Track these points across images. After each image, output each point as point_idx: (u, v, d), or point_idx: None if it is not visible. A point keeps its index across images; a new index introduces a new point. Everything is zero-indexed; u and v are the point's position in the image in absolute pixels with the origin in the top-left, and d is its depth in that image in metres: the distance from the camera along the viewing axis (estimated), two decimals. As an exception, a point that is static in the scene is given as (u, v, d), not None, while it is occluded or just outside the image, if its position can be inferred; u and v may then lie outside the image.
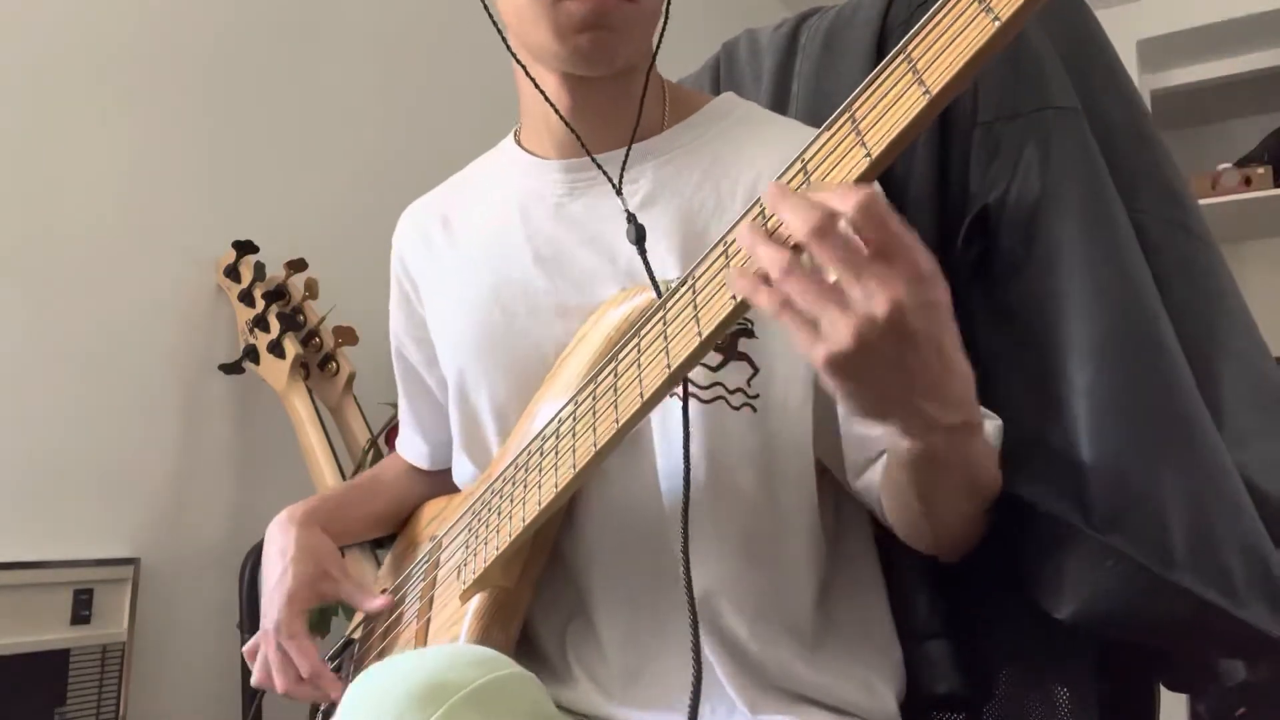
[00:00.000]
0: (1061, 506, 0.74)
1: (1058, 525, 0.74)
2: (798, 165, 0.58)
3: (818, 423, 0.79)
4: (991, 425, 0.76)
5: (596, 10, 0.74)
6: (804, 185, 0.56)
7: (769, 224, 0.58)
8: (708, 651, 0.77)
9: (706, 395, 0.78)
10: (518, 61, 0.83)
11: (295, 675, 0.87)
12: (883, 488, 0.77)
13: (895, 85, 0.53)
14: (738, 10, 2.34)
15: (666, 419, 0.78)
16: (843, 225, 0.54)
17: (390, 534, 1.06)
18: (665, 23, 0.81)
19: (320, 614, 1.39)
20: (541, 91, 0.81)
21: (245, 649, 0.91)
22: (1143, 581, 0.72)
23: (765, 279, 0.57)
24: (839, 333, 0.54)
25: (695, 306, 0.62)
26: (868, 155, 0.53)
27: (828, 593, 0.81)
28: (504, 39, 0.83)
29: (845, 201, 0.54)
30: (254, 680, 0.90)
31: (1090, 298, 0.78)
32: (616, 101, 0.82)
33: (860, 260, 0.54)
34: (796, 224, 0.55)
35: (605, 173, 0.80)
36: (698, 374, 0.78)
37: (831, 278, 0.55)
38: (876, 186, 0.55)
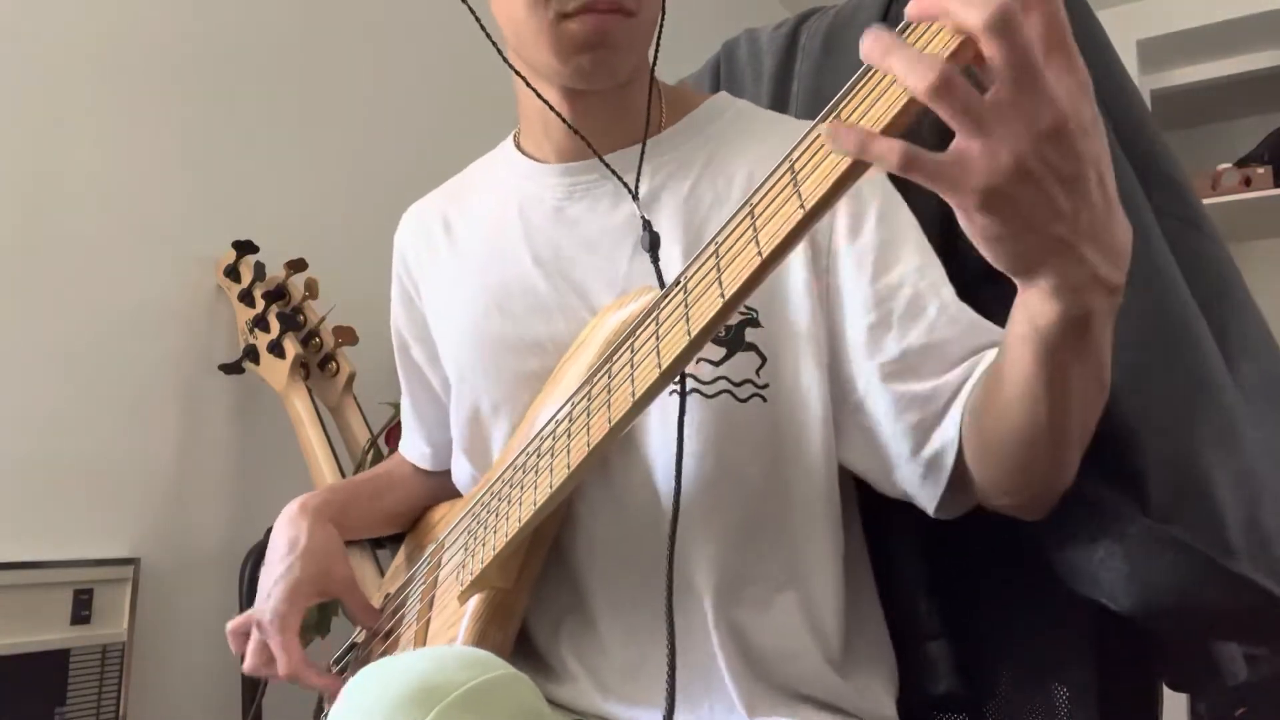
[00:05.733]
0: (1116, 496, 0.72)
1: (1113, 516, 0.72)
2: (785, 164, 0.58)
3: (842, 429, 0.78)
4: None
5: (598, 30, 0.75)
6: (791, 182, 0.56)
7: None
8: (716, 647, 0.77)
9: (710, 390, 0.78)
10: (517, 73, 0.84)
11: (300, 654, 0.86)
12: (986, 420, 0.68)
13: (879, 84, 0.52)
14: (738, 10, 2.34)
15: (667, 416, 0.78)
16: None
17: (397, 532, 1.06)
18: (661, 26, 0.81)
19: (320, 613, 1.39)
20: (546, 101, 0.82)
21: (230, 627, 0.90)
22: (1205, 572, 0.70)
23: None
24: (998, 154, 0.47)
25: (686, 306, 0.62)
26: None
27: (836, 589, 0.80)
28: (501, 54, 0.83)
29: None
30: (246, 667, 0.89)
31: (1127, 288, 0.77)
32: (617, 110, 0.83)
33: (1035, 65, 0.46)
34: (971, 15, 0.46)
35: (621, 179, 0.81)
36: (703, 370, 0.78)
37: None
38: None
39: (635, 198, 0.80)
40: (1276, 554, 0.71)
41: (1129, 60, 2.84)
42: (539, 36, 0.76)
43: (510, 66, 0.84)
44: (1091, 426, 0.66)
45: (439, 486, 1.04)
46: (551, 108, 0.82)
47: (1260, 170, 2.83)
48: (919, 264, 0.77)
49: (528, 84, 0.83)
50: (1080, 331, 0.56)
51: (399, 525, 1.05)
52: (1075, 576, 0.76)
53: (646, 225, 0.76)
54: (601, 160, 0.81)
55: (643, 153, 0.81)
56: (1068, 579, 0.76)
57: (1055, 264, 0.52)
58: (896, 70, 0.48)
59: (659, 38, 0.82)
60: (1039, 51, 0.47)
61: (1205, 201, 2.70)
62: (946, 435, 0.73)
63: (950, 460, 0.73)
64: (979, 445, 0.70)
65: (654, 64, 0.84)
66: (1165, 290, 0.77)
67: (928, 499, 0.76)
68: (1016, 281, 0.55)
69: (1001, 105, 0.47)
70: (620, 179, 0.81)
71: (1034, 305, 0.56)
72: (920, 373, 0.74)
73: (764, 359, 0.78)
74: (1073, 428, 0.64)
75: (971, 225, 0.51)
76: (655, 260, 0.75)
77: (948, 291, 0.76)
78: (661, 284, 0.73)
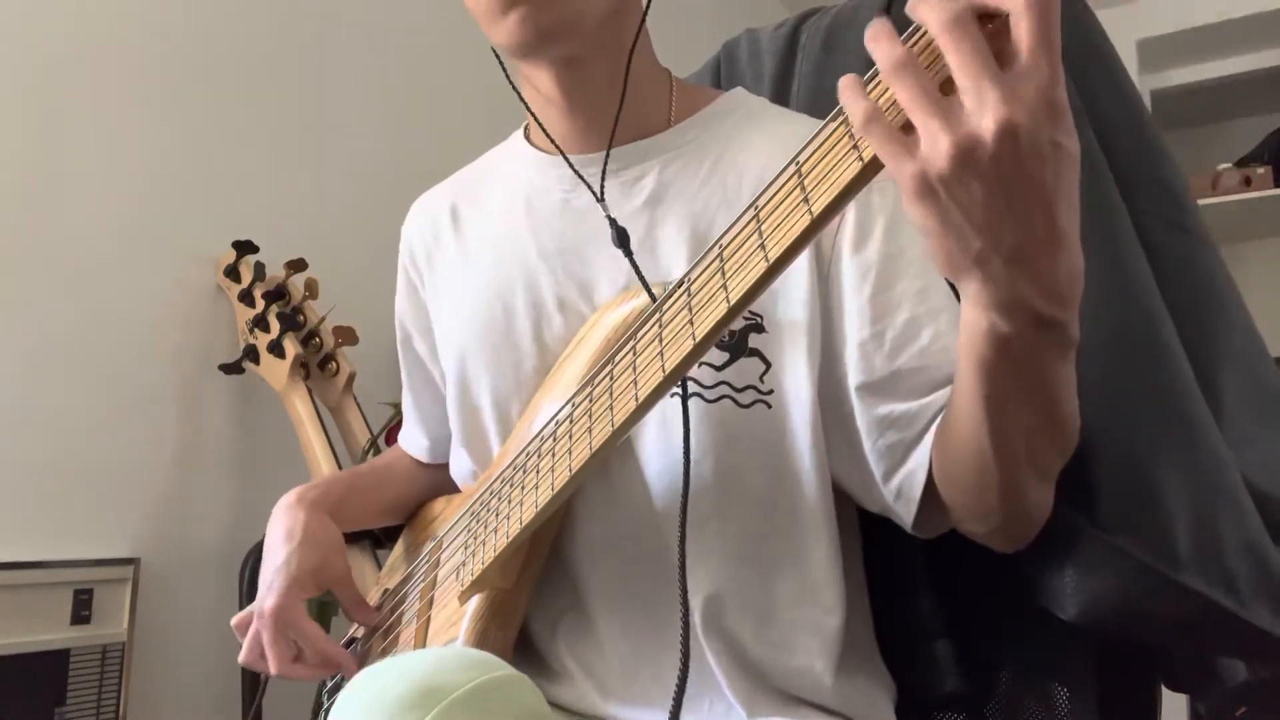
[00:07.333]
0: (1066, 507, 0.73)
1: (1062, 526, 0.74)
2: (792, 168, 0.58)
3: (830, 438, 0.78)
4: None
5: None
6: (798, 187, 0.56)
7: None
8: (708, 652, 0.77)
9: (711, 395, 0.77)
10: (506, 75, 0.85)
11: (289, 656, 0.86)
12: (943, 438, 0.70)
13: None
14: (738, 10, 2.34)
15: (668, 418, 0.78)
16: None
17: (395, 524, 1.06)
18: (646, 13, 0.81)
19: (320, 612, 1.39)
20: (525, 102, 0.83)
21: (234, 621, 0.89)
22: (1149, 582, 0.72)
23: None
24: (936, 148, 0.47)
25: (690, 310, 0.62)
26: (859, 159, 0.52)
27: (834, 596, 0.80)
28: (498, 56, 0.84)
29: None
30: (242, 658, 0.88)
31: (1090, 297, 0.78)
32: (608, 94, 0.81)
33: (988, 68, 0.46)
34: (933, 16, 0.47)
35: (584, 179, 0.81)
36: (703, 374, 0.77)
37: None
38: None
39: (600, 199, 0.80)
40: (1230, 564, 0.71)
41: (1129, 60, 2.84)
42: (476, 12, 0.77)
43: (503, 68, 0.85)
44: (1048, 464, 0.66)
45: (438, 479, 1.03)
46: (530, 109, 0.83)
47: (1260, 170, 2.83)
48: (921, 286, 0.76)
49: (509, 79, 0.84)
50: (1006, 354, 0.56)
51: (397, 517, 1.05)
52: (1029, 585, 0.77)
53: (613, 222, 0.76)
54: (568, 161, 0.82)
55: (609, 149, 0.81)
56: (1025, 587, 0.78)
57: (976, 276, 0.52)
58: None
59: (642, 25, 0.81)
60: (990, 60, 0.46)
61: (1205, 202, 2.71)
62: (919, 459, 0.73)
63: (919, 483, 0.73)
64: (940, 466, 0.71)
65: (633, 47, 0.81)
66: (1128, 296, 0.77)
67: (902, 518, 0.77)
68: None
69: (949, 103, 0.48)
70: (585, 181, 0.81)
71: (965, 311, 0.57)
72: (905, 393, 0.74)
73: (768, 364, 0.78)
74: (1017, 456, 0.63)
75: (909, 211, 0.51)
76: (629, 255, 0.75)
77: (946, 319, 0.75)
78: (643, 281, 0.73)
